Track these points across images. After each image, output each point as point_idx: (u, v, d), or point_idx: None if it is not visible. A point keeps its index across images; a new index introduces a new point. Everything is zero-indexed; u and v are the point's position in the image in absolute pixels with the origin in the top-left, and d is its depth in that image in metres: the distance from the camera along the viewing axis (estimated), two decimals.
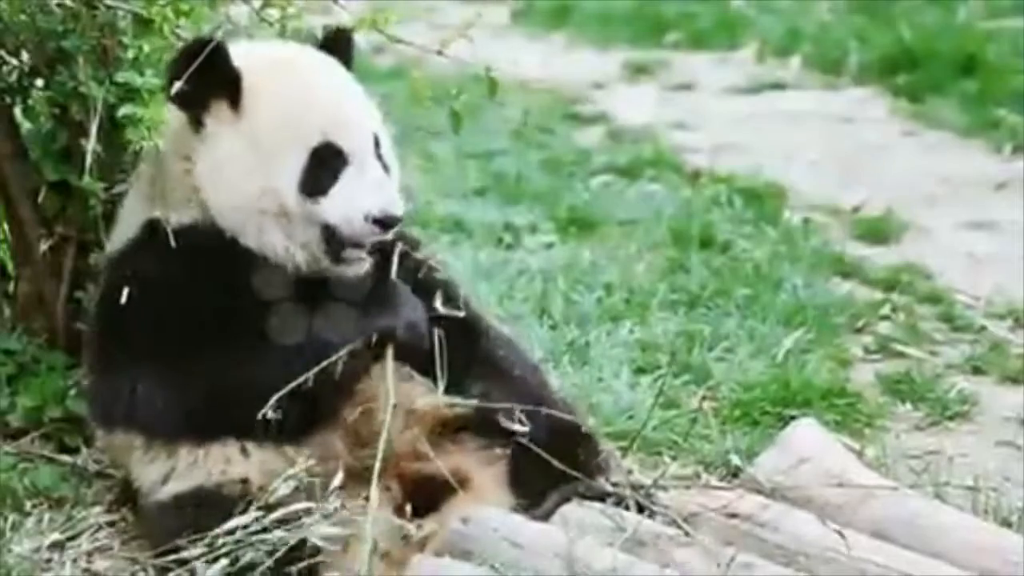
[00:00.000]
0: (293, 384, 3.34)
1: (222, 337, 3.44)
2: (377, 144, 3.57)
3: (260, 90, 3.49)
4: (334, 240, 3.48)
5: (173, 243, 3.46)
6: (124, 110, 3.56)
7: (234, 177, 3.46)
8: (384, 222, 3.46)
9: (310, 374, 3.36)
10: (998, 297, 5.40)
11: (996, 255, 5.91)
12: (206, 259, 3.47)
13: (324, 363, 3.37)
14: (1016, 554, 3.27)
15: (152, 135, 3.49)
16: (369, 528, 3.27)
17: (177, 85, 3.41)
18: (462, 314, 3.62)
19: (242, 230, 3.47)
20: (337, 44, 3.72)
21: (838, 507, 3.40)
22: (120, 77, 3.61)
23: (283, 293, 3.46)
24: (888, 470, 4.02)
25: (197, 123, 3.49)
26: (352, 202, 3.46)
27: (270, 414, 3.34)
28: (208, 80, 3.44)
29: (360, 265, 3.51)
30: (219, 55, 3.45)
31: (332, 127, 3.49)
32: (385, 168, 3.57)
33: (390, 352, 3.48)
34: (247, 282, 3.46)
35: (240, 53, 3.54)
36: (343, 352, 3.40)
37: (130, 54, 3.64)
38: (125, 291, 3.51)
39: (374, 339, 3.47)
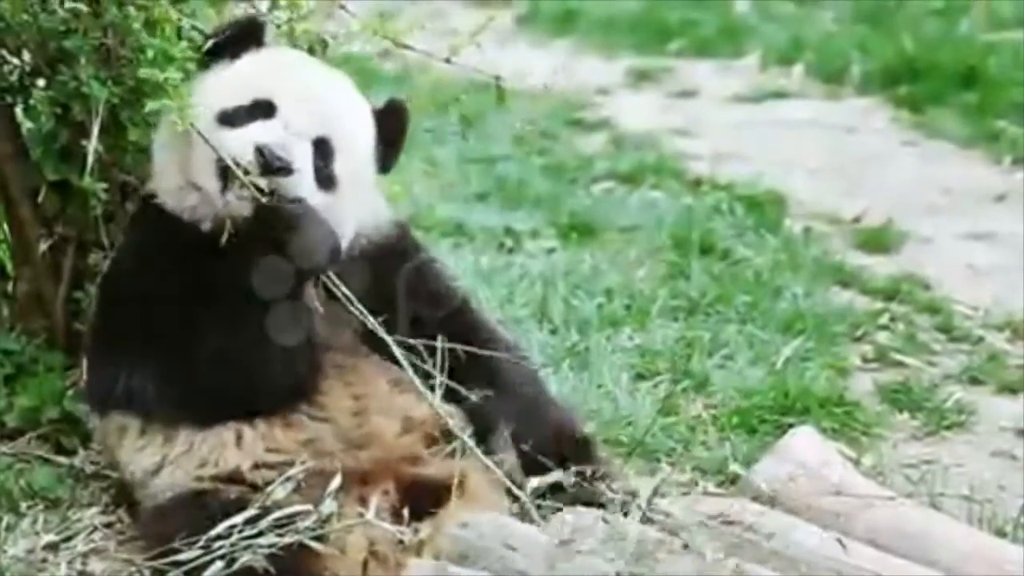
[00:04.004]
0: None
1: (205, 314, 3.45)
2: (325, 150, 3.51)
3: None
4: (225, 172, 3.44)
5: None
6: (151, 106, 3.54)
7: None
8: (263, 152, 3.40)
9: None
10: (996, 308, 5.40)
11: (995, 266, 5.91)
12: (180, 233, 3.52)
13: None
14: (1011, 563, 3.27)
15: (183, 122, 3.48)
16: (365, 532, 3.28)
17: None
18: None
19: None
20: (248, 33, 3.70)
21: (835, 515, 3.40)
22: (143, 73, 3.59)
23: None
24: (885, 479, 4.02)
25: None
26: (249, 134, 3.45)
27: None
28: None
29: (243, 206, 3.43)
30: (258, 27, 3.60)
31: (284, 96, 3.50)
32: (329, 181, 3.49)
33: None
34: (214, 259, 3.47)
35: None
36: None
37: (149, 54, 3.62)
38: (121, 267, 3.60)
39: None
